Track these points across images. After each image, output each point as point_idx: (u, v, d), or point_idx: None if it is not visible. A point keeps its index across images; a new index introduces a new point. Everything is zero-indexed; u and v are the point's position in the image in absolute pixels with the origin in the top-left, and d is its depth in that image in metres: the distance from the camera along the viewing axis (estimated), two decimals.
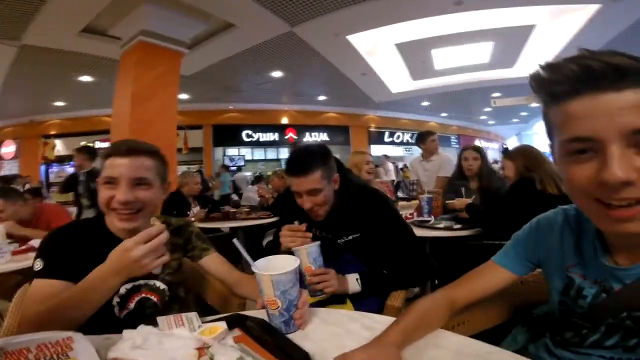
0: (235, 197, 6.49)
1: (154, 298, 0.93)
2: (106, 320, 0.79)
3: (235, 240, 0.79)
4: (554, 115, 0.49)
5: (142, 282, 0.93)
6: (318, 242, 0.98)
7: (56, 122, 9.53)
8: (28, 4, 3.86)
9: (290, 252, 0.94)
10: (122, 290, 0.88)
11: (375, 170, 3.16)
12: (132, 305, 0.89)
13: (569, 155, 0.48)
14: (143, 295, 0.92)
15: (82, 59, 5.64)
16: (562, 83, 0.46)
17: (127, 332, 0.63)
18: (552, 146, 0.54)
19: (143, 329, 0.64)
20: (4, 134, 9.77)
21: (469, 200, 2.11)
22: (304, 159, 1.09)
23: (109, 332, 0.69)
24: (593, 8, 4.92)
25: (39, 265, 0.81)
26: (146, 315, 0.90)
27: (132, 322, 0.67)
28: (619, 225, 0.46)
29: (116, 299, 0.87)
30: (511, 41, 6.17)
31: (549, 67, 0.48)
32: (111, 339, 0.66)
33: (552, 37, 5.95)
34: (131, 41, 4.42)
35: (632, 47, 5.76)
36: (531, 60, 6.79)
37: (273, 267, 0.71)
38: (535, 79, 0.50)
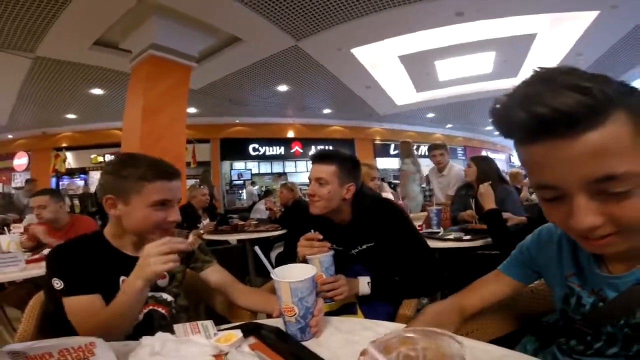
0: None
1: (161, 310, 0.95)
2: None
3: (256, 248, 0.81)
4: (520, 154, 0.48)
5: (148, 294, 0.94)
6: (332, 252, 1.00)
7: (67, 135, 9.73)
8: (43, 16, 3.98)
9: (305, 262, 0.96)
10: None
11: (381, 185, 3.15)
12: (140, 317, 0.91)
13: (541, 198, 0.49)
14: (150, 307, 0.94)
15: (94, 72, 5.79)
16: (517, 132, 0.45)
17: (145, 339, 0.64)
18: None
19: (161, 335, 0.65)
20: (17, 146, 9.98)
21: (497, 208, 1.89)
22: (328, 152, 1.19)
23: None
24: (592, 15, 4.95)
25: (59, 284, 0.83)
26: (154, 327, 0.92)
27: (142, 333, 0.68)
28: (600, 249, 0.49)
29: None
30: (513, 50, 6.21)
31: (501, 110, 0.45)
32: (129, 345, 0.67)
33: (554, 45, 5.99)
34: (141, 54, 4.51)
35: (634, 52, 5.82)
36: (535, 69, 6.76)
37: (291, 275, 0.72)
38: (493, 120, 0.47)
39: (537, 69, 0.44)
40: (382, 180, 3.88)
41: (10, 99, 6.71)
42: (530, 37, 5.79)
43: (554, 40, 5.86)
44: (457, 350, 0.34)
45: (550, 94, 0.40)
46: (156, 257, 0.76)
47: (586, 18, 5.07)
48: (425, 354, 0.34)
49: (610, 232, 0.44)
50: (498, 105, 0.45)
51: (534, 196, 4.69)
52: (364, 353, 0.36)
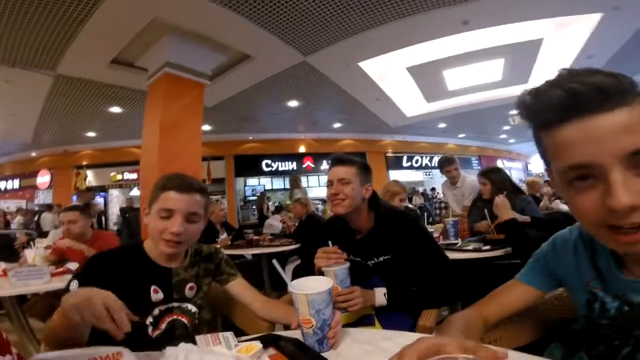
0: None
1: (184, 320, 0.97)
2: (139, 339, 0.82)
3: (274, 261, 0.83)
4: (547, 141, 0.48)
5: (175, 304, 0.97)
6: (347, 265, 1.01)
7: (88, 153, 9.99)
8: (62, 34, 4.10)
9: (322, 274, 0.97)
10: (156, 311, 0.92)
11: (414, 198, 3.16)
12: (163, 325, 0.93)
13: (569, 184, 0.47)
14: (175, 316, 0.96)
15: (112, 90, 5.94)
16: (550, 110, 0.45)
17: (169, 349, 0.65)
18: (548, 171, 0.53)
19: (184, 346, 0.66)
20: (40, 164, 10.28)
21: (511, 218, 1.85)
22: (347, 156, 1.27)
23: (141, 351, 0.70)
24: (596, 17, 4.92)
25: (74, 286, 0.86)
26: (176, 336, 0.94)
27: (163, 342, 0.70)
28: (631, 247, 0.46)
29: (150, 319, 0.91)
30: (521, 57, 6.18)
31: (534, 93, 0.47)
32: (150, 356, 0.69)
33: (561, 49, 5.95)
34: (157, 73, 4.63)
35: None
36: (545, 74, 6.69)
37: (308, 288, 0.74)
38: (522, 105, 0.48)
39: (561, 70, 0.47)
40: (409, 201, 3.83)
41: (33, 117, 6.92)
42: (537, 43, 5.77)
43: (561, 44, 5.81)
44: None
45: (585, 75, 0.44)
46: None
47: (591, 20, 5.05)
48: None
49: None
50: (527, 94, 0.48)
51: (553, 204, 4.60)
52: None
